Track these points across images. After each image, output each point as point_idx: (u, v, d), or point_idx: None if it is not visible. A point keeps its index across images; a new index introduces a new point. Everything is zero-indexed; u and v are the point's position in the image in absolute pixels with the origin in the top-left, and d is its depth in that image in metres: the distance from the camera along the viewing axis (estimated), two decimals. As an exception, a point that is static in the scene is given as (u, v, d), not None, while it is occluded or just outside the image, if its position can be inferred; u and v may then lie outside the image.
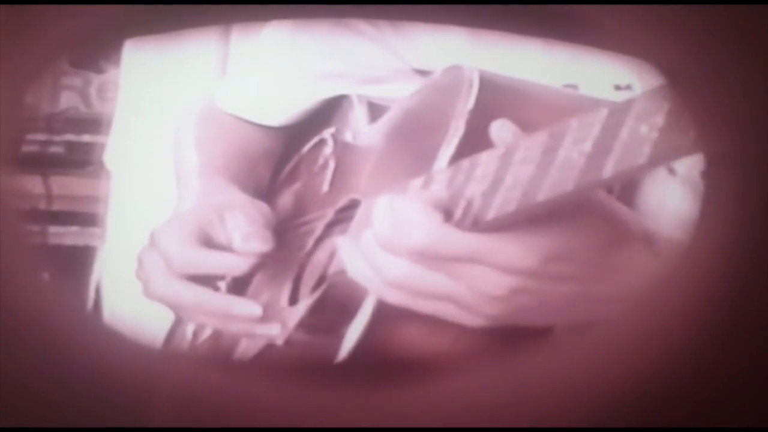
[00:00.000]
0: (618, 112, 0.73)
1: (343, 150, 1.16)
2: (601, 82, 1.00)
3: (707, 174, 0.73)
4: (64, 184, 2.19)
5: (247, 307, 1.05)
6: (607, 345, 0.78)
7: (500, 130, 0.87)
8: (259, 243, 1.07)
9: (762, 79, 0.67)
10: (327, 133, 1.19)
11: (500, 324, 0.85)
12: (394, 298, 0.86)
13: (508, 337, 0.87)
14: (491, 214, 0.81)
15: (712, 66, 0.69)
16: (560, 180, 0.76)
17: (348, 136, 1.16)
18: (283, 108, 1.25)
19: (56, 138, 2.22)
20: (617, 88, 1.00)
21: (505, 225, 0.81)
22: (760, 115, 0.67)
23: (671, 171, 0.96)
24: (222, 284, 1.14)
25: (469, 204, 0.83)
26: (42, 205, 2.15)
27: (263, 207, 1.14)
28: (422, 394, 0.80)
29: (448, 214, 0.84)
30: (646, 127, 0.70)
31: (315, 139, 1.21)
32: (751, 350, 0.71)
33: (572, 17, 0.72)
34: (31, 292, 0.81)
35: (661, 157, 0.70)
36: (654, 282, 0.80)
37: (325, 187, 1.15)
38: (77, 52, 1.27)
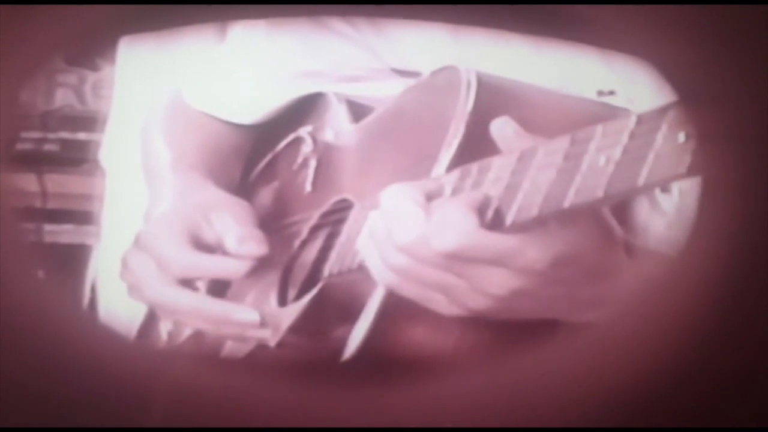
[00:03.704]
0: (650, 120, 0.71)
1: (325, 149, 1.15)
2: (584, 86, 0.99)
3: (705, 177, 0.73)
4: (59, 182, 2.19)
5: (246, 314, 1.04)
6: (606, 346, 0.78)
7: (502, 128, 0.86)
8: (256, 245, 1.06)
9: (761, 78, 0.67)
10: (303, 131, 1.17)
11: (477, 317, 0.85)
12: (389, 280, 0.86)
13: (511, 338, 0.87)
14: (509, 219, 0.81)
15: (711, 66, 0.68)
16: (588, 187, 0.75)
17: (329, 135, 1.14)
18: (257, 106, 1.23)
19: (51, 136, 2.21)
20: (600, 93, 0.99)
21: (522, 227, 0.81)
22: (759, 114, 0.67)
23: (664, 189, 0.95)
24: (200, 284, 1.12)
25: (497, 206, 0.83)
26: (37, 204, 2.14)
27: (247, 205, 1.13)
28: (423, 393, 0.79)
29: (481, 217, 0.83)
30: (683, 135, 0.69)
31: (290, 137, 1.20)
32: (749, 350, 0.71)
33: (573, 16, 0.72)
34: (27, 290, 0.81)
35: (701, 167, 0.68)
36: (650, 284, 0.80)
37: (308, 187, 1.14)
38: (72, 49, 1.26)
